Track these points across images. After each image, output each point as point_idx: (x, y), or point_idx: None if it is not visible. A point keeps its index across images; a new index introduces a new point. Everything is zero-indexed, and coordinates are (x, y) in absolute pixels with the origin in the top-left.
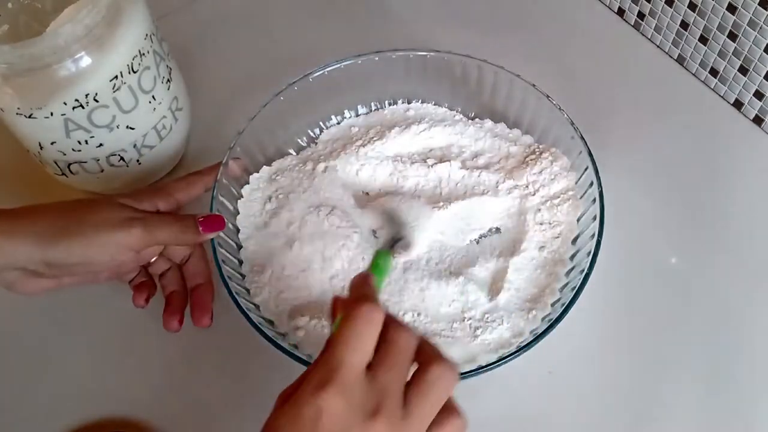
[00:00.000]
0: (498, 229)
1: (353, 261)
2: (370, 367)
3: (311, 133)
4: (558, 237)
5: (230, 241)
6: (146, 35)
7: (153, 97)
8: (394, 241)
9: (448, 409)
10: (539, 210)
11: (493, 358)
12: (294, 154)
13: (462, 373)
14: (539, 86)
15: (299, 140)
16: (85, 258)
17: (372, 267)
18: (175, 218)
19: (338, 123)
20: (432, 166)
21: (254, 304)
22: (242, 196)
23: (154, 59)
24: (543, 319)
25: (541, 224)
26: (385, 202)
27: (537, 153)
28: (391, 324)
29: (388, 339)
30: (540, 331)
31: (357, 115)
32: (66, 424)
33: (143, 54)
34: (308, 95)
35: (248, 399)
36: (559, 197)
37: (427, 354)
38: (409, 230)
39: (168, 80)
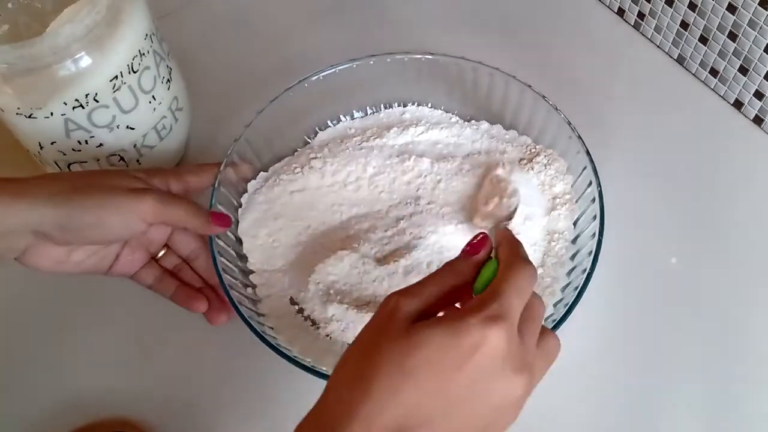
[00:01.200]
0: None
1: (358, 268)
2: (519, 325)
3: (307, 139)
4: (558, 237)
5: (230, 250)
6: (146, 35)
7: (153, 97)
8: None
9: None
10: (538, 210)
11: None
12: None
13: None
14: (535, 87)
15: (295, 146)
16: (99, 218)
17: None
18: (187, 200)
19: (333, 126)
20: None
21: (257, 313)
22: (241, 205)
23: (154, 59)
24: (546, 319)
25: (540, 225)
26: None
27: (534, 154)
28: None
29: (531, 305)
30: None
31: (353, 119)
32: (66, 423)
33: (143, 54)
34: (304, 101)
35: (248, 399)
36: (557, 198)
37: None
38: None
39: (168, 80)
